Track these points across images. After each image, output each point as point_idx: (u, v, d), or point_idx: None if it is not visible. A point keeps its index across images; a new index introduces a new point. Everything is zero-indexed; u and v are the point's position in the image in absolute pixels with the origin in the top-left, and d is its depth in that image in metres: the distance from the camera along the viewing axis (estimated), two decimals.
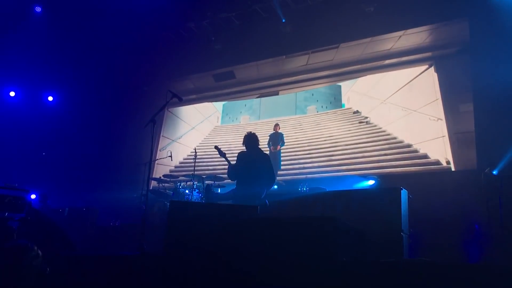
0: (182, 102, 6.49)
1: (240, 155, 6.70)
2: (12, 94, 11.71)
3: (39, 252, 3.36)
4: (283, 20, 9.89)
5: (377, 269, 3.31)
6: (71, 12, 10.72)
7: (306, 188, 7.82)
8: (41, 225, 4.88)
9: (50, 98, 12.22)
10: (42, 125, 11.64)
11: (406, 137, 8.72)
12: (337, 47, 9.91)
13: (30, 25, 10.93)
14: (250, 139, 6.62)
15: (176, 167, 11.06)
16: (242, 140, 6.70)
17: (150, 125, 5.69)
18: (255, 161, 6.51)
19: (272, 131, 10.25)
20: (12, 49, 10.86)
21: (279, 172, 9.66)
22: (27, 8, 10.92)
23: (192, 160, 8.77)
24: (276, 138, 10.03)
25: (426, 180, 7.91)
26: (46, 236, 4.78)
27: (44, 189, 11.06)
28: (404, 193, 5.61)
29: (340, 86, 10.22)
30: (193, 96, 11.79)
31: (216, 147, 6.79)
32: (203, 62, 11.22)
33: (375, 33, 9.43)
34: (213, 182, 8.32)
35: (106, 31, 10.97)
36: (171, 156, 9.16)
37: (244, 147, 6.66)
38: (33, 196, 11.32)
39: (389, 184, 7.65)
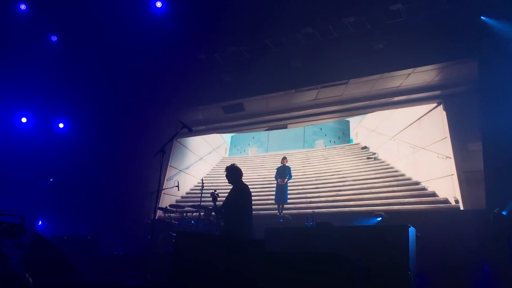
0: (192, 132, 6.55)
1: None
2: (23, 120, 11.86)
3: (30, 280, 3.35)
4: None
5: None
6: (85, 42, 10.97)
7: (312, 223, 7.75)
8: (47, 253, 4.87)
9: (61, 125, 12.36)
10: (51, 151, 11.73)
11: (414, 175, 8.69)
12: (346, 83, 9.99)
13: (45, 53, 11.17)
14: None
15: (182, 197, 11.05)
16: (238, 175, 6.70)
17: (159, 155, 5.75)
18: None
19: (279, 164, 10.26)
20: (26, 76, 11.07)
21: (285, 206, 9.62)
22: (43, 37, 11.18)
23: (199, 191, 8.77)
24: (284, 172, 10.02)
25: (434, 218, 7.82)
26: (52, 263, 4.76)
27: (48, 215, 11.09)
28: (412, 231, 5.56)
29: (348, 121, 10.28)
30: (202, 127, 11.87)
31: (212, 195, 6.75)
32: (212, 94, 11.33)
33: (384, 70, 9.50)
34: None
35: (118, 61, 11.19)
36: (178, 186, 9.17)
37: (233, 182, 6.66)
38: (39, 223, 11.34)
39: (396, 222, 7.58)
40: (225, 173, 6.64)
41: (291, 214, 9.14)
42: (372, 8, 9.03)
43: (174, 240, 6.24)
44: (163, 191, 10.56)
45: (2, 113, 11.56)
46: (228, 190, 6.51)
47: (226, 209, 6.40)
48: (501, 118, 7.65)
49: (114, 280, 6.34)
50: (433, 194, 8.29)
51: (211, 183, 10.68)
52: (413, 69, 9.23)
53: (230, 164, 6.76)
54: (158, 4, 9.79)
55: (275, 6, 9.43)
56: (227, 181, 6.61)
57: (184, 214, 8.58)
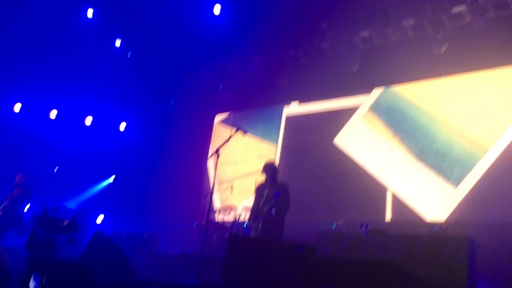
0: (246, 134, 6.65)
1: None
2: (89, 120, 12.39)
3: None
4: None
5: None
6: (147, 45, 11.40)
7: (366, 229, 7.59)
8: (105, 249, 5.07)
9: (123, 125, 12.82)
10: (115, 150, 12.24)
11: None
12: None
13: (110, 56, 11.68)
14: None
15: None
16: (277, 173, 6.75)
17: (214, 156, 5.86)
18: None
19: None
20: (92, 78, 11.62)
21: None
22: (108, 41, 11.68)
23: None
24: None
25: (494, 230, 7.43)
26: (108, 259, 4.95)
27: (111, 211, 11.56)
28: (471, 243, 5.34)
29: None
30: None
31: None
32: (268, 97, 11.37)
33: (443, 74, 9.14)
34: None
35: (175, 62, 11.55)
36: (231, 188, 9.28)
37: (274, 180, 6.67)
38: (101, 217, 11.83)
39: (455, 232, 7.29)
40: (265, 170, 6.65)
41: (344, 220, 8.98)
42: (433, 10, 8.76)
43: (226, 243, 6.34)
44: (217, 193, 10.68)
45: (70, 114, 12.16)
46: None
47: (277, 209, 6.29)
48: None
49: (168, 278, 6.50)
50: None
51: None
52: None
53: (268, 161, 6.82)
54: (216, 11, 9.97)
55: (332, 8, 9.38)
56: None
57: (237, 217, 8.67)
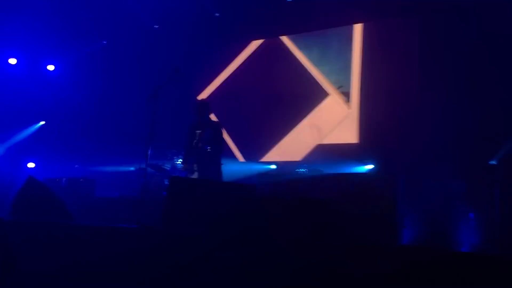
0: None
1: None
2: (13, 61, 11.60)
3: None
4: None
5: (372, 253, 3.34)
6: None
7: (304, 169, 7.84)
8: (39, 194, 4.91)
9: (51, 67, 12.12)
10: (42, 94, 11.61)
11: None
12: None
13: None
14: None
15: None
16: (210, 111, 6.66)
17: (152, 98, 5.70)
18: None
19: None
20: (14, 18, 10.78)
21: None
22: None
23: None
24: None
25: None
26: (43, 204, 4.82)
27: (42, 157, 11.14)
28: (400, 179, 5.65)
29: None
30: None
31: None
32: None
33: None
34: None
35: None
36: None
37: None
38: (31, 165, 11.39)
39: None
40: (196, 109, 6.52)
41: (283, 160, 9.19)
42: None
43: (167, 185, 6.33)
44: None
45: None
46: None
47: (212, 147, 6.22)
48: None
49: (107, 222, 6.45)
50: None
51: None
52: None
53: (199, 100, 6.66)
54: None
55: None
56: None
57: (176, 158, 8.61)
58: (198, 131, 6.38)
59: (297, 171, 7.80)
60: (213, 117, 6.77)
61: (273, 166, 8.72)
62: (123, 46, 12.03)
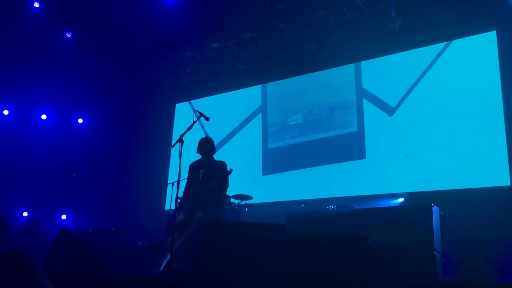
0: (208, 121, 6.48)
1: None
2: (44, 117, 12.04)
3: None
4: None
5: None
6: (97, 37, 11.06)
7: (334, 206, 7.73)
8: (73, 245, 4.95)
9: (80, 120, 12.51)
10: (72, 146, 11.92)
11: None
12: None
13: (59, 50, 11.30)
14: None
15: None
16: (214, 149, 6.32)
17: (177, 145, 5.76)
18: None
19: None
20: (43, 73, 11.24)
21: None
22: (58, 33, 11.30)
23: None
24: None
25: (457, 197, 7.71)
26: (78, 256, 4.84)
27: (73, 209, 11.29)
28: (435, 211, 5.51)
29: None
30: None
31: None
32: (228, 82, 11.32)
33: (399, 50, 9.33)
34: (240, 201, 8.32)
35: (131, 54, 11.26)
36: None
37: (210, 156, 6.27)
38: (63, 217, 11.57)
39: (419, 202, 7.51)
40: (200, 147, 6.18)
41: (312, 199, 9.10)
42: None
43: (196, 229, 6.28)
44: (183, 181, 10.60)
45: (22, 111, 11.76)
46: None
47: (218, 189, 5.82)
48: None
49: (140, 270, 6.43)
50: None
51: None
52: None
53: (203, 138, 6.29)
54: None
55: None
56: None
57: None
58: (201, 171, 6.08)
59: (327, 208, 7.69)
60: None
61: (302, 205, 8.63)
62: (146, 96, 12.39)
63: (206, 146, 6.18)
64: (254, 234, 4.52)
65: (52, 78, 11.29)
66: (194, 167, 6.24)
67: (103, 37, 10.91)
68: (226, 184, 6.09)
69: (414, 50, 9.13)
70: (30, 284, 3.18)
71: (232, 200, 8.29)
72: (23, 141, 11.46)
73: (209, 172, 5.98)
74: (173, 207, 6.41)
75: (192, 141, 5.92)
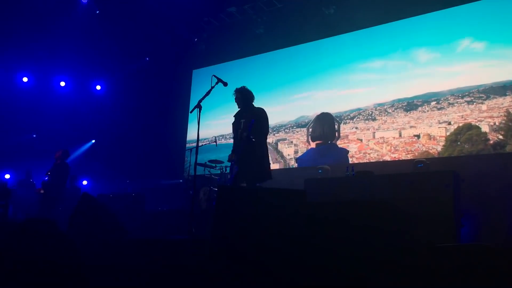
0: (226, 86, 6.42)
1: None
2: (62, 84, 12.11)
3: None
4: None
5: (430, 254, 3.21)
6: (115, 2, 10.94)
7: (352, 172, 7.68)
8: (94, 210, 5.02)
9: (98, 87, 12.55)
10: (90, 113, 12.00)
11: None
12: None
13: (77, 16, 11.21)
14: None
15: None
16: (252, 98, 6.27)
17: (196, 110, 5.73)
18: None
19: None
20: (61, 40, 11.20)
21: None
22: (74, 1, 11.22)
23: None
24: None
25: (477, 162, 7.59)
26: (99, 221, 4.92)
27: (93, 175, 11.46)
28: (456, 176, 5.43)
29: None
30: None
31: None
32: (245, 47, 11.18)
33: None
34: None
35: (148, 20, 11.14)
36: (215, 142, 9.22)
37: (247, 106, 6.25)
38: (84, 183, 11.75)
39: (439, 168, 7.42)
40: (235, 96, 6.21)
41: (329, 165, 9.07)
42: None
43: (215, 195, 6.32)
44: (202, 147, 10.62)
45: (41, 78, 11.83)
46: None
47: (250, 135, 5.75)
48: None
49: (160, 235, 6.53)
50: None
51: None
52: None
53: (239, 88, 6.25)
54: None
55: None
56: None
57: (224, 168, 8.66)
58: (242, 120, 6.08)
59: (347, 174, 7.65)
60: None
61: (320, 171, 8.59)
62: (164, 62, 12.31)
63: (243, 94, 6.19)
64: (273, 199, 4.51)
65: (70, 45, 11.25)
66: (236, 117, 6.27)
67: (119, 2, 10.78)
68: (264, 128, 6.03)
69: None
70: (62, 248, 3.28)
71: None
72: (43, 108, 11.55)
73: (248, 120, 5.94)
74: (191, 173, 6.44)
75: (210, 106, 5.89)
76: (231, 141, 6.49)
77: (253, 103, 6.28)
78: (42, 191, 8.50)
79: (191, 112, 5.80)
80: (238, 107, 6.31)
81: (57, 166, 8.68)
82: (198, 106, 5.70)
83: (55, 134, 11.19)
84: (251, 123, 5.80)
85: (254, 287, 3.52)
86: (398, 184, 5.70)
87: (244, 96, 6.22)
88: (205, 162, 9.85)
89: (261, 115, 6.10)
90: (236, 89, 6.25)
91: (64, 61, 11.67)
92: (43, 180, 8.60)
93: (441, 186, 5.29)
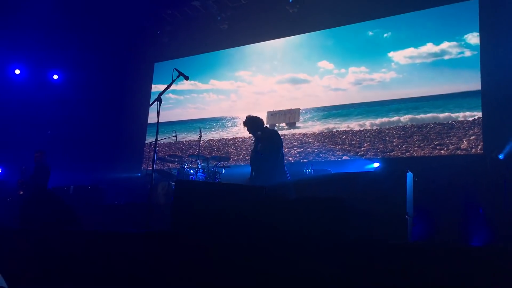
0: (188, 80, 6.40)
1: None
2: (17, 71, 11.69)
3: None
4: (290, 0, 9.78)
5: (383, 250, 3.32)
6: None
7: (311, 170, 7.81)
8: (48, 202, 4.92)
9: (55, 77, 12.19)
10: (47, 103, 11.64)
11: None
12: None
13: (35, 3, 10.86)
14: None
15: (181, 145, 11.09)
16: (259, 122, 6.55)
17: (156, 104, 5.68)
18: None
19: None
20: (17, 27, 10.82)
21: None
22: None
23: (197, 140, 8.78)
24: None
25: (431, 163, 7.88)
26: (53, 213, 4.82)
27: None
28: (409, 176, 5.61)
29: None
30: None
31: None
32: (209, 42, 11.14)
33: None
34: (217, 162, 8.34)
35: (110, 10, 10.92)
36: (175, 136, 9.16)
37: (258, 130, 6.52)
38: None
39: (394, 167, 7.65)
40: (245, 127, 6.52)
41: (288, 162, 9.17)
42: None
43: (174, 189, 6.30)
44: (161, 141, 10.54)
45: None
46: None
47: (264, 154, 6.15)
48: (502, 58, 7.56)
49: (116, 228, 6.44)
50: None
51: (209, 131, 10.72)
52: None
53: (247, 117, 6.55)
54: None
55: None
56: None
57: (183, 163, 8.62)
58: (259, 145, 6.37)
59: (304, 171, 7.77)
60: None
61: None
62: (125, 54, 12.11)
63: (251, 122, 6.45)
64: (231, 195, 4.55)
65: (26, 32, 10.88)
66: (255, 142, 6.56)
67: None
68: (273, 148, 6.22)
69: None
70: None
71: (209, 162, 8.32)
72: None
73: (262, 145, 6.27)
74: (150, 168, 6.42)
75: (170, 100, 5.86)
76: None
77: (265, 126, 6.57)
78: (21, 193, 8.25)
79: (151, 105, 5.76)
80: (253, 135, 6.55)
81: (38, 168, 8.49)
82: (158, 99, 5.66)
83: (8, 125, 10.81)
84: (261, 145, 6.20)
85: (212, 279, 3.55)
86: (354, 183, 5.83)
87: (251, 124, 6.44)
88: (165, 157, 9.78)
89: (270, 135, 6.37)
90: (243, 122, 6.53)
91: (20, 49, 11.27)
92: (21, 180, 8.36)
93: (395, 186, 5.45)
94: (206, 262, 3.58)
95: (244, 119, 6.57)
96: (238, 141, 10.35)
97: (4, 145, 10.70)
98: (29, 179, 8.32)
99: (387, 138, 8.65)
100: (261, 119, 6.60)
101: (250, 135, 6.78)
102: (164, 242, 3.94)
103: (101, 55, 12.00)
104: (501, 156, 6.90)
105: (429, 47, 8.64)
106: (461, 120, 8.04)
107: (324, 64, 9.83)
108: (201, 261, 3.59)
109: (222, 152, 10.20)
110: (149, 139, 10.17)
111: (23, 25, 10.75)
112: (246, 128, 6.53)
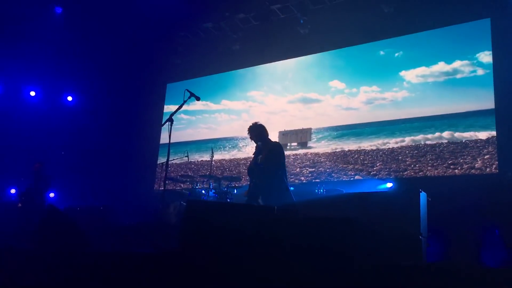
0: (199, 101, 6.44)
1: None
2: (32, 94, 11.88)
3: None
4: (301, 21, 9.85)
5: (396, 273, 3.25)
6: (89, 13, 10.85)
7: (323, 190, 7.75)
8: (59, 223, 4.92)
9: (70, 98, 12.36)
10: (61, 124, 11.78)
11: None
12: None
13: (49, 26, 11.08)
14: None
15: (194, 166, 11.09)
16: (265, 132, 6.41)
17: (167, 124, 5.72)
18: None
19: None
20: (33, 50, 11.03)
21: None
22: (47, 9, 11.07)
23: (209, 160, 8.77)
24: None
25: (445, 183, 7.77)
26: (64, 234, 4.82)
27: (61, 187, 11.22)
28: (423, 196, 5.53)
29: None
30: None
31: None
32: (221, 63, 11.23)
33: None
34: (229, 182, 8.32)
35: (123, 33, 11.10)
36: (187, 156, 9.18)
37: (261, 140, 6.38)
38: (51, 195, 11.48)
39: (407, 187, 7.55)
40: (249, 133, 6.38)
41: (300, 182, 9.13)
42: None
43: (184, 209, 6.28)
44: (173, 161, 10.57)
45: (11, 87, 11.58)
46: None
47: (264, 168, 5.98)
48: None
49: (126, 249, 6.41)
50: None
51: (221, 152, 10.72)
52: None
53: (252, 123, 6.43)
54: None
55: None
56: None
57: (195, 184, 8.61)
58: (259, 156, 6.24)
59: (316, 191, 7.71)
60: None
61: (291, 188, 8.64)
62: (138, 75, 12.25)
63: (255, 130, 6.34)
64: (242, 214, 4.50)
65: (41, 55, 11.08)
66: (255, 152, 6.41)
67: (94, 14, 10.72)
68: (270, 166, 6.08)
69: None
70: None
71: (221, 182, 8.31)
72: (11, 118, 11.29)
73: (263, 157, 6.13)
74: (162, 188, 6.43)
75: (182, 120, 5.89)
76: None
77: (268, 138, 6.41)
78: (19, 205, 8.36)
79: (162, 125, 5.80)
80: (255, 143, 6.40)
81: (38, 179, 8.62)
82: (170, 119, 5.70)
83: (23, 145, 10.94)
84: (263, 157, 6.06)
85: None
86: (367, 203, 5.76)
87: (256, 132, 6.34)
88: (177, 177, 9.79)
89: (272, 148, 6.22)
90: (249, 126, 6.39)
91: (35, 71, 11.47)
92: (21, 191, 8.51)
93: (408, 206, 5.37)
94: (214, 281, 3.53)
95: (251, 125, 6.43)
96: (250, 161, 10.32)
97: (17, 166, 10.82)
98: (27, 191, 8.42)
99: (400, 157, 8.57)
100: (267, 130, 6.44)
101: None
102: (171, 261, 3.90)
103: (115, 76, 12.18)
104: None
105: (441, 66, 8.61)
106: (475, 139, 7.96)
107: (336, 84, 9.83)
108: (209, 280, 3.55)
109: (234, 172, 10.18)
110: (161, 160, 10.19)
111: (39, 48, 10.95)
112: (248, 133, 6.39)
